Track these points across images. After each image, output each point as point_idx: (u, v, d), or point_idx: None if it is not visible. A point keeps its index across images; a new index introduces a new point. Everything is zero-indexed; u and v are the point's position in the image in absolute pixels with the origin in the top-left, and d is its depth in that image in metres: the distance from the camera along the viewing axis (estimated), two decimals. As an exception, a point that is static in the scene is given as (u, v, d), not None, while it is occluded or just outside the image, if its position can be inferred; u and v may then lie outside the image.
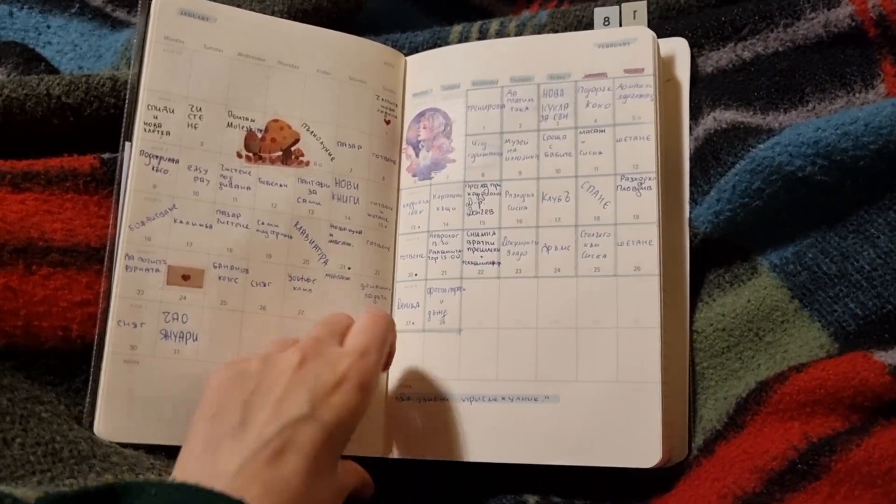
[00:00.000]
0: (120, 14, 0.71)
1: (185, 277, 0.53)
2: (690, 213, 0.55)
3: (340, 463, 0.46)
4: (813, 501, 0.42)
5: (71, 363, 0.50)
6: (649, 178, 0.54)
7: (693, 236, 0.54)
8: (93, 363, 0.50)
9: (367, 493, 0.50)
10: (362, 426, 0.46)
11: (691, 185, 0.55)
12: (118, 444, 0.49)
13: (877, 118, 0.49)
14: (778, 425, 0.46)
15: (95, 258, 0.52)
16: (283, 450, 0.41)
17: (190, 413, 0.45)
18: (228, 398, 0.44)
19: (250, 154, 0.55)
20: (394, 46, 0.62)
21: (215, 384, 0.45)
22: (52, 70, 0.64)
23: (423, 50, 0.62)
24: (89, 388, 0.50)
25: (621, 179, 0.54)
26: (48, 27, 0.69)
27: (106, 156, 0.55)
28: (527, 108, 0.57)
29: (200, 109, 0.55)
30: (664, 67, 0.58)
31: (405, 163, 0.59)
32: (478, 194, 0.56)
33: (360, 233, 0.57)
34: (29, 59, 0.63)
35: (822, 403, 0.46)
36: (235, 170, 0.55)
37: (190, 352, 0.52)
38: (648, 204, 0.53)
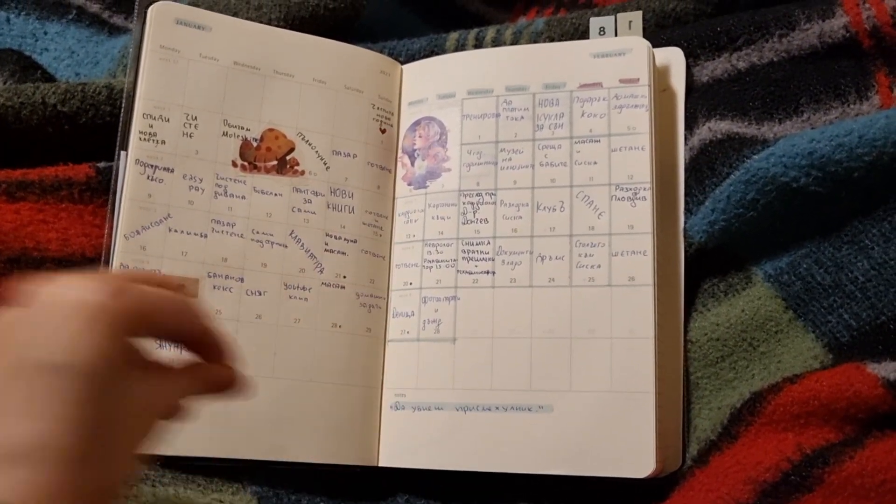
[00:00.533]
0: (117, 20, 0.71)
1: (180, 287, 0.52)
2: (685, 222, 0.55)
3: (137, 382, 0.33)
4: (806, 513, 0.42)
5: (65, 373, 0.50)
6: (644, 189, 0.54)
7: (688, 246, 0.54)
8: (87, 372, 0.50)
9: (226, 388, 0.38)
10: (356, 433, 0.45)
11: (686, 194, 0.55)
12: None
13: (871, 130, 0.49)
14: (772, 436, 0.46)
15: (90, 268, 0.52)
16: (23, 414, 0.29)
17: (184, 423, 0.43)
18: None
19: (245, 163, 0.55)
20: (391, 53, 0.62)
21: None
22: (49, 78, 0.64)
23: (421, 57, 0.62)
24: (84, 397, 0.50)
25: (616, 189, 0.54)
26: (45, 33, 0.69)
27: (101, 164, 0.55)
28: (522, 118, 0.57)
29: (196, 118, 0.55)
30: (659, 77, 0.58)
31: (400, 171, 0.59)
32: (473, 203, 0.56)
33: (355, 242, 0.57)
34: (25, 67, 0.63)
35: (815, 415, 0.46)
36: (230, 179, 0.55)
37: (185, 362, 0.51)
38: (643, 214, 0.53)
